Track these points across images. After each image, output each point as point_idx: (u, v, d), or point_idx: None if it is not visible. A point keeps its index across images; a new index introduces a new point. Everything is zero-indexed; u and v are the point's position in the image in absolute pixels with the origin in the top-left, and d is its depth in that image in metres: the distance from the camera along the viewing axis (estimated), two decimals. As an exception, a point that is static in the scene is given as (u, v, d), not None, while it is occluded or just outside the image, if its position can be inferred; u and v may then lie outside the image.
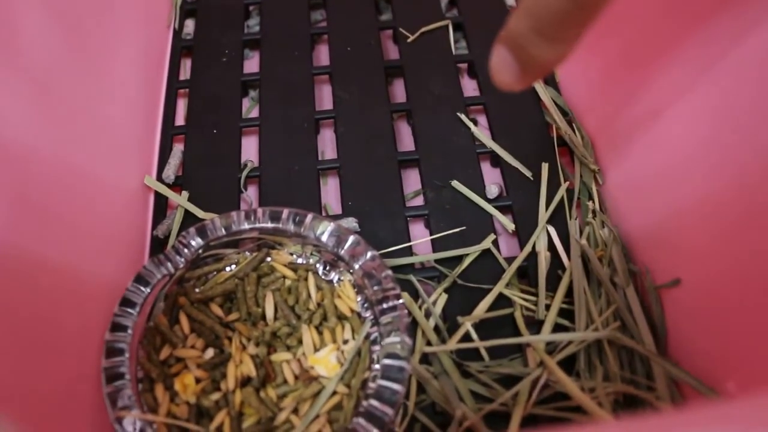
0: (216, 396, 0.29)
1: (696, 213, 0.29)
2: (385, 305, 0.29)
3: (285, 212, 0.32)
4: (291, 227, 0.32)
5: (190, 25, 0.47)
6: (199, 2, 0.48)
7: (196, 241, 0.32)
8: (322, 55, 0.46)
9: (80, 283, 0.29)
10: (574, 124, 0.40)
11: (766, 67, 0.25)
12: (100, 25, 0.35)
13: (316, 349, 0.30)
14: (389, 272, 0.30)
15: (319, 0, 0.48)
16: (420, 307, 0.33)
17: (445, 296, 0.33)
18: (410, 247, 0.35)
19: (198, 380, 0.30)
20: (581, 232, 0.35)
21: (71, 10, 0.32)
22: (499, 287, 0.33)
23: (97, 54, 0.35)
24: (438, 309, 0.33)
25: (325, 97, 0.43)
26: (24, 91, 0.27)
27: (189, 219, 0.37)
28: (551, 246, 0.35)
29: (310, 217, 0.32)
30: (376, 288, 0.30)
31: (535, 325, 0.33)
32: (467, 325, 0.32)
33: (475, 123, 0.41)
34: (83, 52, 0.33)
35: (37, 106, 0.28)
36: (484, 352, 0.32)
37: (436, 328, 0.32)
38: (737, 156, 0.26)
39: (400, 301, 0.29)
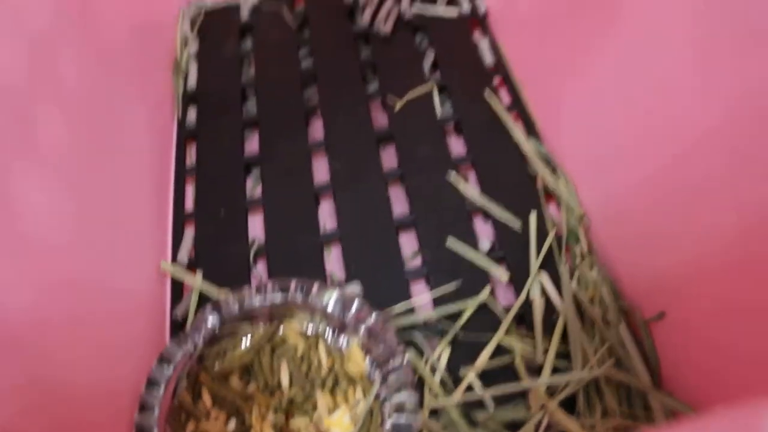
0: (241, 464, 0.31)
1: (679, 249, 0.31)
2: (391, 364, 0.32)
3: (293, 284, 0.34)
4: (299, 298, 0.34)
5: (192, 113, 0.50)
6: (199, 90, 0.51)
7: (213, 319, 0.34)
8: (317, 129, 0.49)
9: (109, 368, 0.31)
10: (557, 172, 0.43)
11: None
12: (113, 124, 0.39)
13: (331, 412, 0.32)
14: (393, 332, 0.33)
15: (310, 76, 0.51)
16: (426, 362, 0.35)
17: (448, 350, 0.35)
18: (412, 305, 0.38)
19: (224, 451, 0.32)
20: (572, 275, 0.38)
21: (90, 116, 0.36)
22: (498, 336, 0.35)
23: (111, 150, 0.38)
24: (442, 363, 0.35)
25: (322, 169, 0.46)
26: (52, 187, 0.30)
27: (205, 298, 0.39)
28: (545, 292, 0.37)
29: (315, 286, 0.34)
30: (382, 348, 0.32)
31: (535, 369, 0.35)
32: (471, 375, 0.34)
33: (466, 180, 0.44)
34: (100, 150, 0.36)
35: (62, 202, 0.31)
36: (488, 400, 0.34)
37: (442, 381, 0.34)
38: (717, 193, 0.28)
39: (406, 358, 0.32)
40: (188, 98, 0.51)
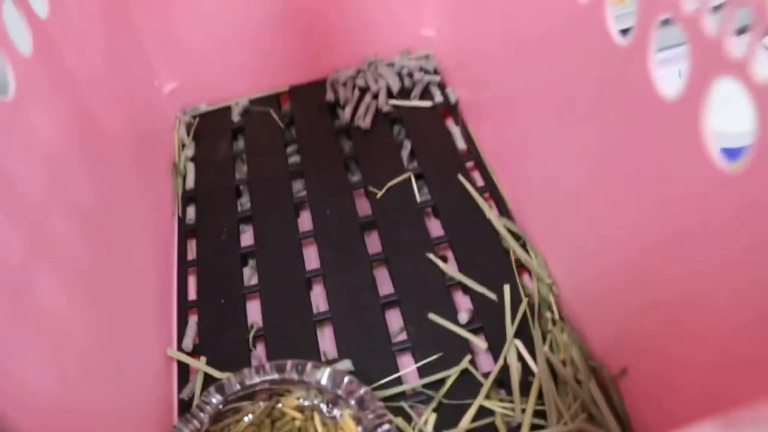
0: None
1: (639, 312, 0.35)
2: (380, 431, 0.35)
3: (288, 364, 0.38)
4: (295, 376, 0.37)
5: (191, 211, 0.54)
6: (197, 190, 0.56)
7: (216, 398, 0.37)
8: (306, 220, 0.53)
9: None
10: (527, 246, 0.47)
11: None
12: (121, 225, 0.43)
13: (328, 478, 0.35)
14: (380, 403, 0.36)
15: (298, 171, 0.56)
16: (413, 427, 0.38)
17: (434, 415, 0.39)
18: (399, 376, 0.41)
19: None
20: (545, 340, 0.41)
21: (102, 219, 0.40)
22: (479, 400, 0.39)
23: (120, 249, 0.42)
24: (429, 427, 0.38)
25: (313, 256, 0.50)
26: (71, 286, 0.34)
27: (209, 379, 0.42)
28: (521, 356, 0.41)
29: (309, 365, 0.38)
30: (371, 417, 0.35)
31: (514, 428, 0.38)
32: (455, 438, 0.37)
33: (444, 260, 0.48)
34: (110, 249, 0.40)
35: (79, 299, 0.34)
36: (473, 460, 0.37)
37: (430, 445, 0.37)
38: (671, 256, 0.32)
39: (394, 425, 0.35)
40: (187, 197, 0.55)
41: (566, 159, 0.40)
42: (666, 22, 0.26)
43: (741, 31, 0.24)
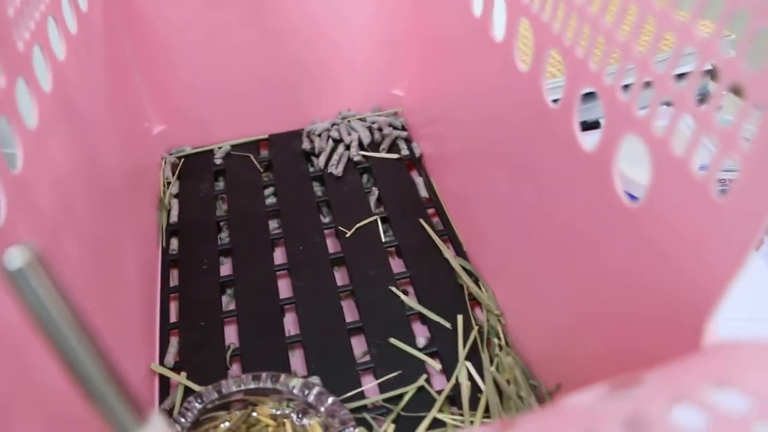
0: None
1: (570, 335, 0.41)
2: (346, 434, 0.39)
3: (264, 374, 0.42)
4: (269, 385, 0.42)
5: (174, 243, 0.59)
6: (180, 223, 0.61)
7: (196, 406, 0.42)
8: (281, 255, 0.58)
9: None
10: (479, 282, 0.52)
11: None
12: (111, 252, 0.47)
13: (297, 475, 0.40)
14: (347, 411, 0.41)
15: (274, 211, 0.61)
16: (374, 436, 0.43)
17: (393, 426, 0.43)
18: (362, 392, 0.46)
19: None
20: (492, 362, 0.46)
21: (95, 244, 0.44)
22: (432, 413, 0.44)
23: (109, 274, 0.46)
24: (388, 435, 0.43)
25: (286, 287, 0.55)
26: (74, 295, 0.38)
27: (188, 393, 0.46)
28: (471, 376, 0.46)
29: (283, 376, 0.42)
30: (338, 424, 0.40)
31: (463, 438, 0.43)
32: (411, 444, 0.42)
33: (405, 293, 0.53)
34: (100, 273, 0.44)
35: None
36: (426, 463, 0.41)
37: (388, 450, 0.42)
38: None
39: (357, 430, 0.40)
40: (171, 230, 0.60)
41: (510, 206, 0.46)
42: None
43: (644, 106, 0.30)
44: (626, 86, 0.29)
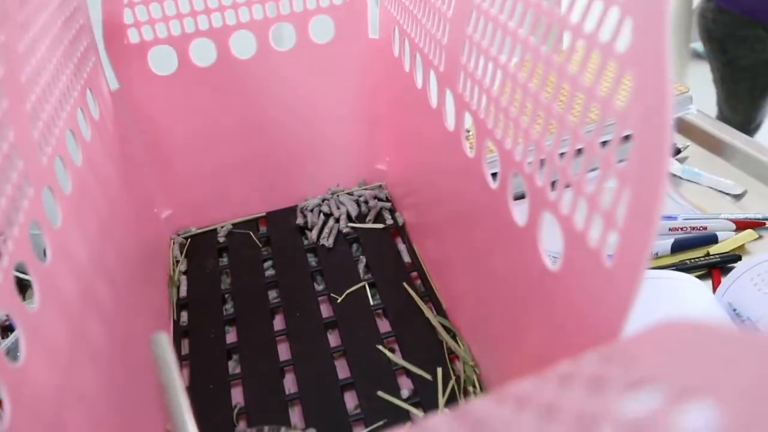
0: None
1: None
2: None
3: (267, 428, 0.49)
4: (271, 438, 0.48)
5: (185, 315, 0.66)
6: (189, 297, 0.68)
7: (209, 460, 0.48)
8: (280, 321, 0.65)
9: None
10: (457, 338, 0.59)
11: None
12: (127, 326, 0.54)
13: None
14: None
15: (273, 282, 0.68)
16: (364, 478, 0.49)
17: (381, 469, 0.49)
18: (354, 440, 0.52)
19: None
20: (467, 410, 0.52)
21: (116, 318, 0.51)
22: (415, 455, 0.50)
23: (126, 346, 0.53)
24: (376, 477, 0.49)
25: (285, 350, 0.61)
26: (98, 373, 0.45)
27: (201, 450, 0.52)
28: (449, 423, 0.52)
29: (284, 429, 0.49)
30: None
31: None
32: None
33: (392, 350, 0.59)
34: (121, 343, 0.51)
35: (99, 389, 0.45)
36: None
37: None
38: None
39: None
40: (181, 304, 0.67)
41: (475, 271, 0.53)
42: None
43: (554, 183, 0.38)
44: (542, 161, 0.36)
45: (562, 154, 0.33)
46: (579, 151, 0.32)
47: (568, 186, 0.34)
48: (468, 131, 0.47)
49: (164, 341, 0.28)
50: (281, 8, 0.65)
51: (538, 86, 0.34)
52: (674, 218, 0.68)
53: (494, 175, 0.43)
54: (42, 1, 0.45)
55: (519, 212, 0.40)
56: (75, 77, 0.52)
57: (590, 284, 0.32)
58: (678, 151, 0.80)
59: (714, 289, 0.60)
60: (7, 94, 0.35)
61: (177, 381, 0.28)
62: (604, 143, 0.29)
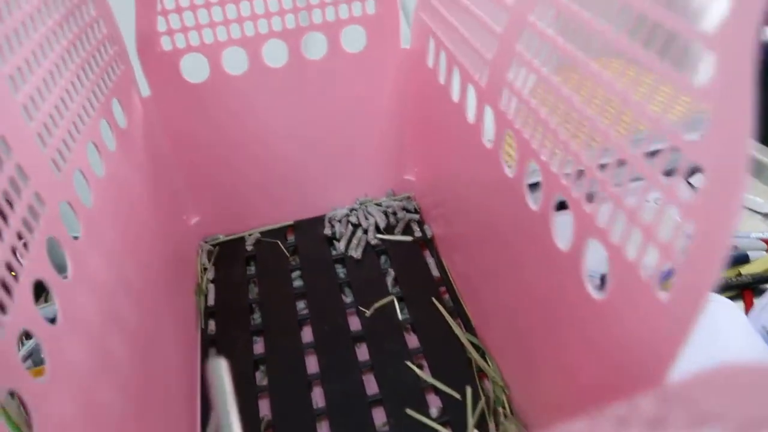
0: None
1: (567, 403, 0.46)
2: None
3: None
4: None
5: (212, 325, 0.65)
6: (217, 306, 0.67)
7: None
8: (307, 334, 0.64)
9: None
10: (486, 356, 0.58)
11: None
12: (156, 335, 0.53)
13: None
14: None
15: (301, 292, 0.68)
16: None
17: (410, 489, 0.49)
18: (383, 459, 0.51)
19: None
20: (497, 430, 0.52)
21: (142, 329, 0.51)
22: (445, 477, 0.49)
23: (155, 356, 0.52)
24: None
25: (313, 364, 0.60)
26: (123, 387, 0.44)
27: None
28: (479, 444, 0.51)
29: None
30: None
31: (473, 500, 0.48)
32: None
33: (420, 367, 0.59)
34: (147, 356, 0.51)
35: (125, 402, 0.45)
36: None
37: None
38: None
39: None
40: (208, 313, 0.67)
41: (507, 287, 0.52)
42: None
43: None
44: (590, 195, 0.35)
45: (601, 167, 0.32)
46: (627, 171, 0.31)
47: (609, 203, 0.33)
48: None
49: (222, 368, 0.28)
50: (314, 18, 0.65)
51: (596, 112, 0.34)
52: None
53: (533, 186, 0.42)
54: (35, 14, 0.43)
55: (559, 224, 0.39)
56: (98, 88, 0.51)
57: (640, 316, 0.31)
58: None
59: (746, 311, 0.59)
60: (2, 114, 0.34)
61: (233, 410, 0.28)
62: (668, 173, 0.28)
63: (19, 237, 0.32)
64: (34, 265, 0.33)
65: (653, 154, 0.30)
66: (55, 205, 0.37)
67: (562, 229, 0.39)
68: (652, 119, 0.29)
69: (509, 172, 0.45)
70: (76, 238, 0.40)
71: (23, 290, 0.31)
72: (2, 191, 0.31)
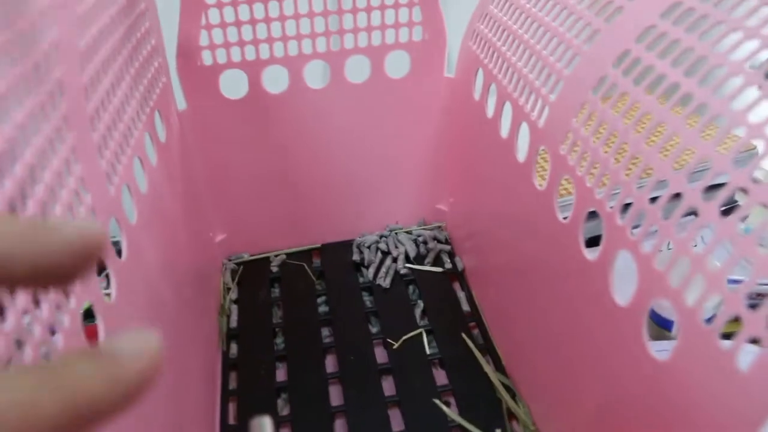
0: None
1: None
2: None
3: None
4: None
5: (234, 347, 0.64)
6: (239, 329, 0.66)
7: None
8: (332, 362, 0.62)
9: None
10: (516, 397, 0.56)
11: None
12: (180, 354, 0.52)
13: None
14: None
15: (326, 319, 0.66)
16: None
17: None
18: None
19: None
20: (529, 480, 0.50)
21: (169, 347, 0.49)
22: None
23: (178, 373, 0.51)
24: None
25: (336, 395, 0.59)
26: (151, 410, 0.43)
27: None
28: (509, 493, 0.49)
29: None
30: None
31: None
32: None
33: (448, 404, 0.57)
34: (172, 372, 0.49)
35: (156, 415, 0.43)
36: None
37: None
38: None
39: None
40: (231, 335, 0.65)
41: (541, 324, 0.51)
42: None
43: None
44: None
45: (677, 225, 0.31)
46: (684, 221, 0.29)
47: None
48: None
49: (268, 425, 0.26)
50: (359, 41, 0.64)
51: (667, 158, 0.32)
52: (739, 281, 0.64)
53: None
54: (108, 25, 0.43)
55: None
56: (144, 100, 0.50)
57: (712, 385, 0.29)
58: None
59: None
60: (74, 126, 0.33)
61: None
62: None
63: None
64: (85, 289, 0.32)
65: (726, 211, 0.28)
66: (106, 222, 0.36)
67: (620, 280, 0.38)
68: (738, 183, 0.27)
69: (560, 217, 0.44)
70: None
71: (74, 316, 0.30)
72: (67, 204, 0.30)
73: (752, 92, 0.28)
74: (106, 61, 0.40)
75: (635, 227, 0.35)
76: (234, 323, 0.66)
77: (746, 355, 0.27)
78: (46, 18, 0.31)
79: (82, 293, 0.31)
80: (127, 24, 0.47)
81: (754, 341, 0.27)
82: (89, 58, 0.37)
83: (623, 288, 0.37)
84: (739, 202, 0.28)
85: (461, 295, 0.68)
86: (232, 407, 0.59)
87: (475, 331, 0.64)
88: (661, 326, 0.53)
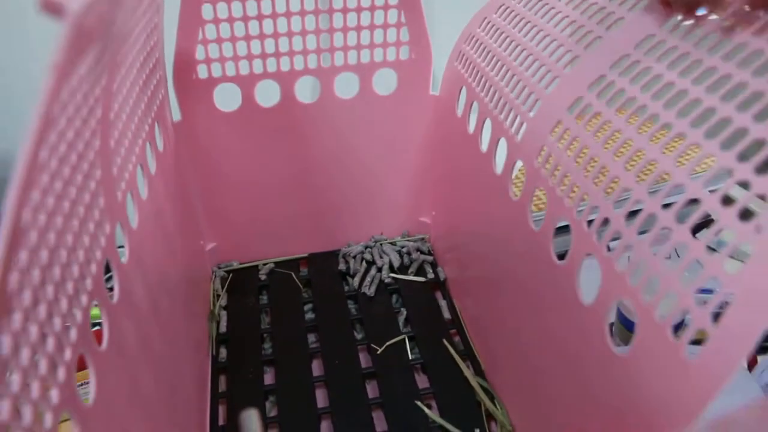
0: None
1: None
2: None
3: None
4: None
5: (223, 352, 0.66)
6: (228, 334, 0.68)
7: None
8: (318, 367, 0.65)
9: None
10: (495, 400, 0.59)
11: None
12: (172, 359, 0.54)
13: None
14: None
15: (313, 326, 0.68)
16: None
17: None
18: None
19: None
20: (505, 478, 0.52)
21: (163, 355, 0.51)
22: None
23: (171, 379, 0.53)
24: None
25: (322, 397, 0.61)
26: (144, 402, 0.45)
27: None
28: (486, 489, 0.52)
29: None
30: None
31: None
32: None
33: (429, 407, 0.59)
34: (165, 378, 0.51)
35: (147, 416, 0.45)
36: None
37: None
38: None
39: None
40: (220, 340, 0.67)
41: (517, 330, 0.53)
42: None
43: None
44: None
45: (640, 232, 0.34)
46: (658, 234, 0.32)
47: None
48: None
49: (255, 417, 0.30)
50: (349, 58, 0.67)
51: (632, 171, 0.35)
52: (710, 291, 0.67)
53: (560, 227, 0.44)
54: (135, 39, 0.46)
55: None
56: (148, 110, 0.53)
57: (664, 375, 0.32)
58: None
59: (750, 368, 0.60)
60: (98, 133, 0.36)
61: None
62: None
63: (88, 260, 0.33)
64: (95, 287, 0.34)
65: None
66: (113, 227, 0.38)
67: (587, 282, 0.40)
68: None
69: (534, 227, 0.47)
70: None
71: (84, 324, 0.32)
72: (85, 206, 0.32)
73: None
74: (129, 66, 0.43)
75: (601, 233, 0.38)
76: (223, 328, 0.69)
77: (694, 348, 0.30)
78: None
79: (93, 290, 0.34)
80: (145, 34, 0.50)
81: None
82: (118, 69, 0.40)
83: (589, 291, 0.40)
84: (695, 212, 0.31)
85: (443, 303, 0.71)
86: (222, 409, 0.61)
87: (456, 338, 0.67)
88: (630, 330, 0.56)
